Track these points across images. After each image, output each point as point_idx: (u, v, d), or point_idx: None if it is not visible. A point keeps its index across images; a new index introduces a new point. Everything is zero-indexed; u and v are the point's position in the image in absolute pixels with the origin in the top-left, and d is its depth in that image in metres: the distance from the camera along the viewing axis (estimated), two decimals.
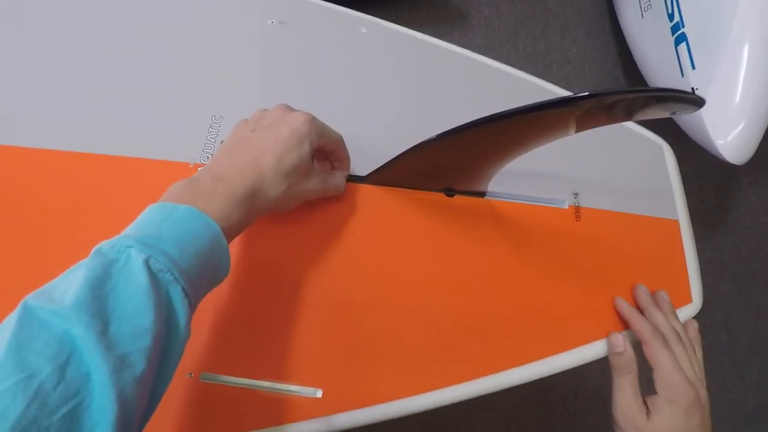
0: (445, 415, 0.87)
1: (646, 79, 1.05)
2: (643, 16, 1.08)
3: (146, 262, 0.24)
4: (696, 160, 1.09)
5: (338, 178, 0.39)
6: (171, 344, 0.25)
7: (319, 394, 0.34)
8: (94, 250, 0.25)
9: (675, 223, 0.42)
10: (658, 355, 0.35)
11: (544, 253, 0.40)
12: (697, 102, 0.30)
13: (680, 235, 0.42)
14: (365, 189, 0.41)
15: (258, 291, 0.37)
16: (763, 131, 0.83)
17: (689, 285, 0.40)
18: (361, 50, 0.49)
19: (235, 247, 0.38)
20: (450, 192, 0.41)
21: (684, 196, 0.44)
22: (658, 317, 0.37)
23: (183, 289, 0.25)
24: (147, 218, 0.28)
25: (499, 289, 0.39)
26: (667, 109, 0.32)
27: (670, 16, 0.97)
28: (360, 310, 0.37)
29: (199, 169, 0.40)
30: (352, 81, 0.47)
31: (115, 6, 0.49)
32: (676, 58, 0.93)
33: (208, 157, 0.41)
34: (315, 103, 0.45)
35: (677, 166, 0.46)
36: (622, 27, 1.18)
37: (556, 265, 0.40)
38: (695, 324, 0.40)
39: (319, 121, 0.36)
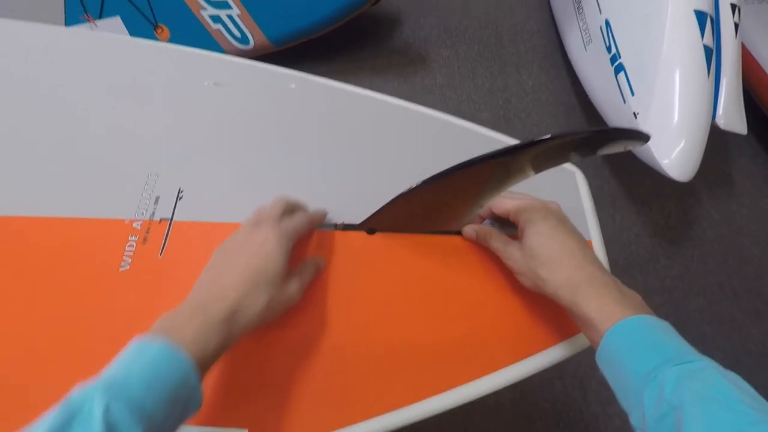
0: None
1: (595, 105, 1.10)
2: (586, 49, 1.15)
3: (105, 413, 0.25)
4: (655, 180, 1.13)
5: (310, 268, 0.40)
6: None
7: None
8: (67, 395, 0.26)
9: (588, 244, 0.45)
10: (506, 202, 0.41)
11: (472, 279, 0.43)
12: (642, 138, 0.34)
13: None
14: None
15: None
16: (703, 147, 0.87)
17: None
18: (291, 104, 0.53)
19: (159, 290, 0.40)
20: (371, 231, 0.44)
21: (596, 217, 0.47)
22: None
23: None
24: (125, 355, 0.29)
25: (424, 318, 0.41)
26: (619, 147, 0.36)
27: (608, 48, 1.03)
28: (285, 348, 0.39)
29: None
30: (283, 134, 0.51)
31: (53, 67, 0.53)
32: (617, 85, 0.99)
33: (142, 213, 0.44)
34: (249, 156, 0.49)
35: (589, 191, 0.49)
36: (570, 59, 1.25)
37: (483, 289, 0.42)
38: None
39: (284, 225, 0.38)
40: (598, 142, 0.35)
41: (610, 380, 0.33)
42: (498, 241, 0.41)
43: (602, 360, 0.33)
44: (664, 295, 1.02)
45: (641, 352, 0.31)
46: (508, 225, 0.42)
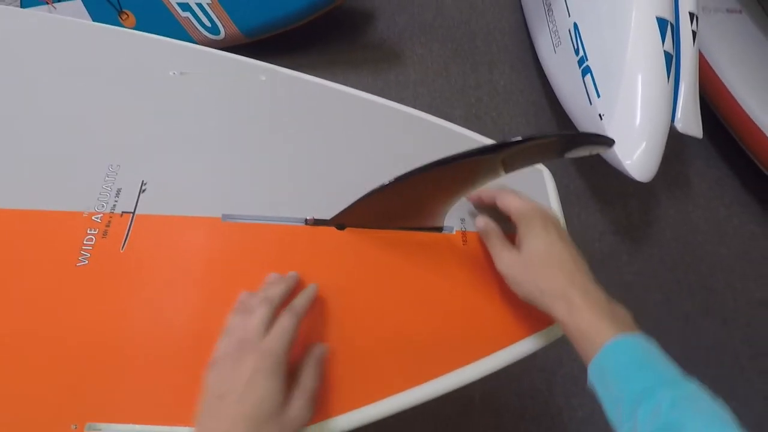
0: None
1: (563, 106, 1.13)
2: (555, 51, 1.18)
3: None
4: (619, 180, 1.18)
5: (311, 376, 0.35)
6: None
7: None
8: None
9: None
10: (511, 201, 0.41)
11: (442, 275, 0.43)
12: (608, 143, 0.35)
13: None
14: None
15: (145, 334, 0.37)
16: (663, 149, 0.91)
17: None
18: (260, 97, 0.51)
19: (120, 285, 0.39)
20: (341, 226, 0.44)
21: (562, 215, 0.48)
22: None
23: None
24: None
25: (392, 314, 0.41)
26: (587, 151, 0.37)
27: (576, 51, 1.06)
28: None
29: None
30: (252, 126, 0.50)
31: (6, 51, 0.51)
32: (583, 87, 1.02)
33: (103, 206, 0.42)
34: (216, 149, 0.48)
35: (556, 190, 0.50)
36: (540, 60, 1.28)
37: (452, 284, 0.43)
38: None
39: (272, 345, 0.33)
40: (570, 146, 0.36)
41: (600, 392, 0.35)
42: (498, 242, 0.41)
43: (595, 373, 0.35)
44: (626, 290, 1.07)
45: (636, 370, 0.33)
46: (496, 214, 0.43)
